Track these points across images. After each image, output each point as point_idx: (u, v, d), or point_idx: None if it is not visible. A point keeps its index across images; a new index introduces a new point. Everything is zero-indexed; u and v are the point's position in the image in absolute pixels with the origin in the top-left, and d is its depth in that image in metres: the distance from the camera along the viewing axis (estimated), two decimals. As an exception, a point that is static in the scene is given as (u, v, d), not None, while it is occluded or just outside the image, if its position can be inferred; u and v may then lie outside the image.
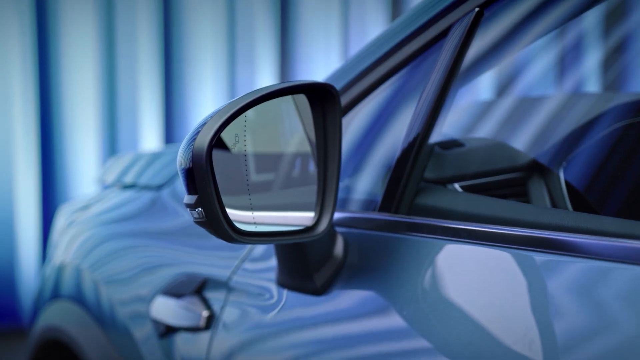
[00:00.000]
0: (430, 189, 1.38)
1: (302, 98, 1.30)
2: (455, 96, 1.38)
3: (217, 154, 1.18)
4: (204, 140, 1.16)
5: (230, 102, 1.19)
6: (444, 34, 1.37)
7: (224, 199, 1.20)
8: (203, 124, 1.17)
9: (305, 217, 1.32)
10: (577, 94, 2.20)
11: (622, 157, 1.55)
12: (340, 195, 1.51)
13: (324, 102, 1.29)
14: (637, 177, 1.48)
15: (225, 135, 1.20)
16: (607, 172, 1.55)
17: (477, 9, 1.32)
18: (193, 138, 1.17)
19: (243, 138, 1.24)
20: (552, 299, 1.06)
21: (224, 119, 1.17)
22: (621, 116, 1.63)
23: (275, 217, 1.31)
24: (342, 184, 1.52)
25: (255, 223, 1.25)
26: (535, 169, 1.59)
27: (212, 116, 1.18)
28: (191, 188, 1.17)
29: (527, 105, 1.84)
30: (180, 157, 1.18)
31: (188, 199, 1.18)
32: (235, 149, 1.22)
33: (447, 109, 1.36)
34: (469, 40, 1.32)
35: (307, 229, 1.29)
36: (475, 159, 1.55)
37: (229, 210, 1.21)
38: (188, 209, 1.19)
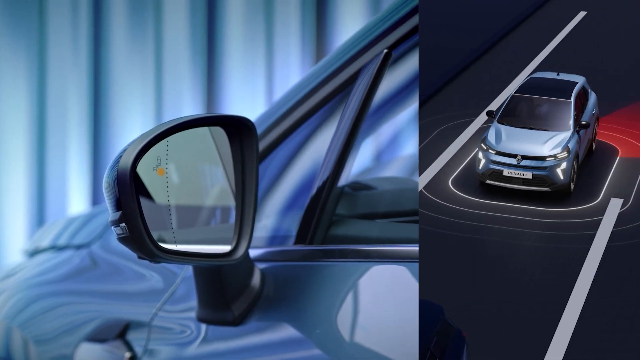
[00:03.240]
0: (342, 222, 1.45)
1: (220, 133, 1.36)
2: (367, 133, 1.45)
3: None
4: (128, 158, 1.23)
5: (153, 128, 1.27)
6: (355, 76, 1.44)
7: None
8: (126, 149, 1.24)
9: (224, 249, 1.38)
10: None
11: None
12: (258, 233, 1.56)
13: (242, 135, 1.36)
14: None
15: (146, 162, 1.26)
16: None
17: (385, 51, 1.40)
18: (117, 160, 1.23)
19: (165, 178, 1.30)
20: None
21: (147, 141, 1.24)
22: None
23: (197, 249, 1.36)
24: (259, 224, 1.58)
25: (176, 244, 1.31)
26: None
27: (134, 141, 1.25)
28: (116, 205, 1.23)
29: None
30: (105, 178, 1.24)
31: (112, 215, 1.24)
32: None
33: (357, 146, 1.43)
34: (378, 82, 1.39)
35: (226, 254, 1.36)
36: (384, 200, 1.62)
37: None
38: (112, 227, 1.24)
